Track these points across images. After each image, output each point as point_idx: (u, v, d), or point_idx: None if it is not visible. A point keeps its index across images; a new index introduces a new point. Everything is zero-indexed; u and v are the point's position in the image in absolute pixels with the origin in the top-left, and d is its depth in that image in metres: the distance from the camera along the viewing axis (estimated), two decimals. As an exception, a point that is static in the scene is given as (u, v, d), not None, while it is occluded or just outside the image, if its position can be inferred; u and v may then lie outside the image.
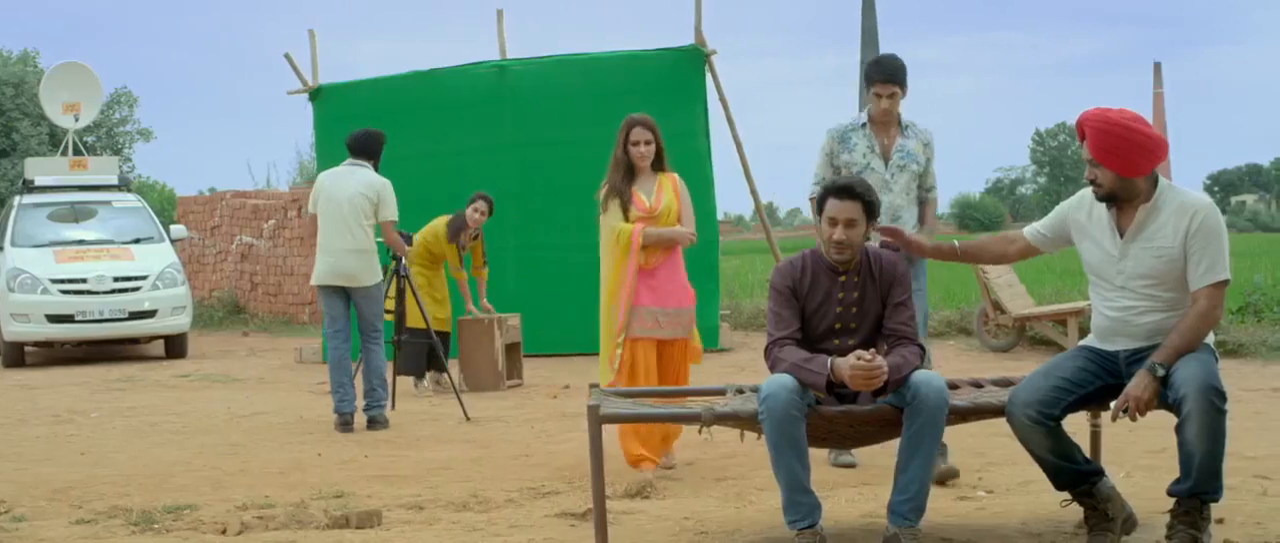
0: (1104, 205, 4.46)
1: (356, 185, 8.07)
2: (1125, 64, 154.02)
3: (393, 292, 8.89)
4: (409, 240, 8.79)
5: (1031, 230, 4.75)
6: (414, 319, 9.26)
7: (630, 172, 6.29)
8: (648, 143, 6.26)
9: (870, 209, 4.57)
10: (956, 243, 4.97)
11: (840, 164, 6.01)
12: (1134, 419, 4.28)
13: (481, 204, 10.04)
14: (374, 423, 8.03)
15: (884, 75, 5.95)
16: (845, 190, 4.55)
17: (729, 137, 12.58)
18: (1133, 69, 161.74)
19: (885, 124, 6.03)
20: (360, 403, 8.12)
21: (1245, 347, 10.74)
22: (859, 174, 5.80)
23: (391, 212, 8.18)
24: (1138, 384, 4.23)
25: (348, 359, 8.09)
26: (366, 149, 8.26)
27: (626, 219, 6.21)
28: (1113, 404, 4.33)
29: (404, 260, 8.74)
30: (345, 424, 7.94)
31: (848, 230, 4.53)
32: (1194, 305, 4.32)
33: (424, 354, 9.78)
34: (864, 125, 6.03)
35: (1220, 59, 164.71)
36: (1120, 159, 4.30)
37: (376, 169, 8.26)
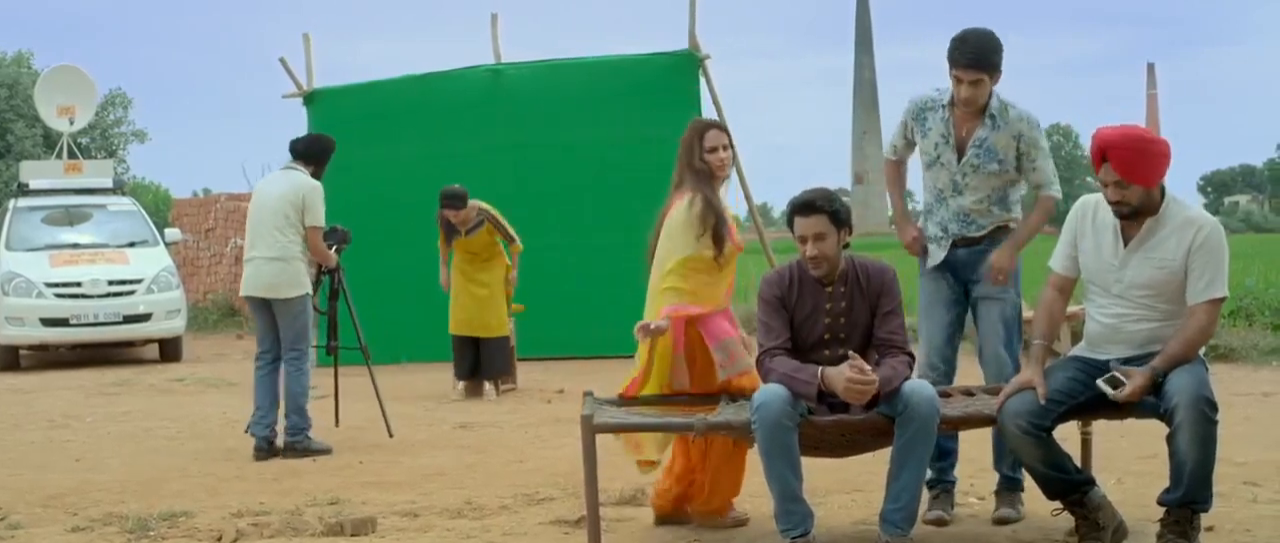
0: (1108, 211, 4.48)
1: (283, 189, 7.35)
2: (1119, 65, 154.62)
3: (326, 294, 7.88)
4: (345, 239, 7.82)
5: (1057, 263, 4.66)
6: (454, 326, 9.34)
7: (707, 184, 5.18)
8: (726, 148, 5.20)
9: (837, 218, 4.56)
10: (1039, 341, 4.57)
11: (914, 140, 5.21)
12: (1115, 389, 4.28)
13: (444, 212, 9.71)
14: (291, 450, 7.23)
15: (968, 58, 4.87)
16: (807, 206, 4.56)
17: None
18: (1126, 70, 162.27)
19: (968, 113, 5.04)
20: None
21: (1236, 351, 10.75)
22: (929, 165, 5.13)
23: (317, 217, 7.34)
24: (1135, 377, 4.27)
25: (271, 381, 7.35)
26: (307, 153, 7.48)
27: (721, 251, 5.06)
28: (1113, 365, 4.33)
29: (329, 267, 7.75)
30: (260, 451, 7.19)
31: (819, 244, 4.55)
32: (1192, 318, 4.35)
33: (498, 358, 9.86)
34: (946, 105, 5.06)
35: (1214, 60, 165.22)
36: (1146, 173, 4.33)
37: (318, 176, 7.48)
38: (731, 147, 5.22)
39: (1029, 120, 5.01)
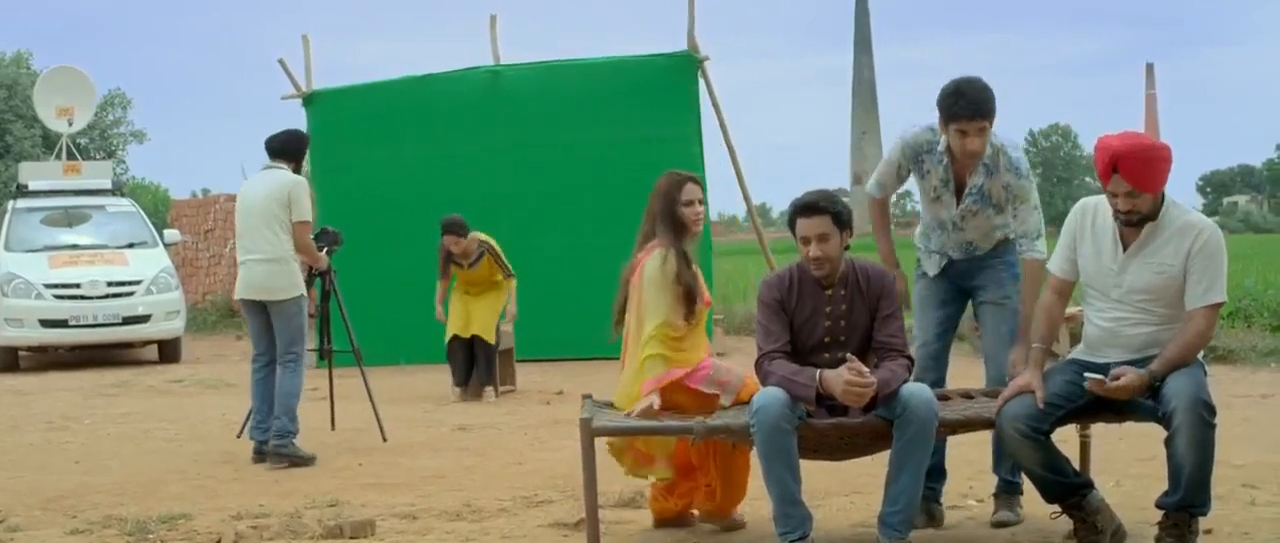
0: (1108, 215, 4.49)
1: (269, 188, 7.19)
2: (1118, 65, 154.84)
3: (319, 296, 7.81)
4: (336, 240, 7.66)
5: (1056, 266, 4.65)
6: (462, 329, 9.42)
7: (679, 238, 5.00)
8: (701, 202, 5.04)
9: (840, 219, 4.57)
10: (1037, 345, 4.57)
11: (906, 178, 5.15)
12: (1104, 390, 4.29)
13: (444, 239, 9.70)
14: (276, 454, 7.04)
15: (972, 108, 4.75)
16: (810, 208, 4.57)
17: (721, 140, 12.69)
18: (1125, 70, 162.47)
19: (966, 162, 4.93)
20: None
21: (1235, 353, 10.75)
22: (931, 201, 5.07)
23: (303, 212, 7.18)
24: (1129, 372, 4.27)
25: (269, 384, 7.24)
26: (284, 150, 7.33)
27: (691, 312, 4.90)
28: (1110, 375, 4.31)
29: (320, 268, 7.60)
30: (260, 455, 7.15)
31: (822, 245, 4.55)
32: (1190, 323, 4.36)
33: (486, 363, 9.82)
34: (944, 151, 4.95)
35: (1212, 60, 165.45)
36: (1155, 180, 4.34)
37: (298, 171, 7.36)
38: (705, 202, 5.06)
39: (1017, 171, 4.90)
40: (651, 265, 4.90)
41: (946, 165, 4.95)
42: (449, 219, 9.68)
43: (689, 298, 4.87)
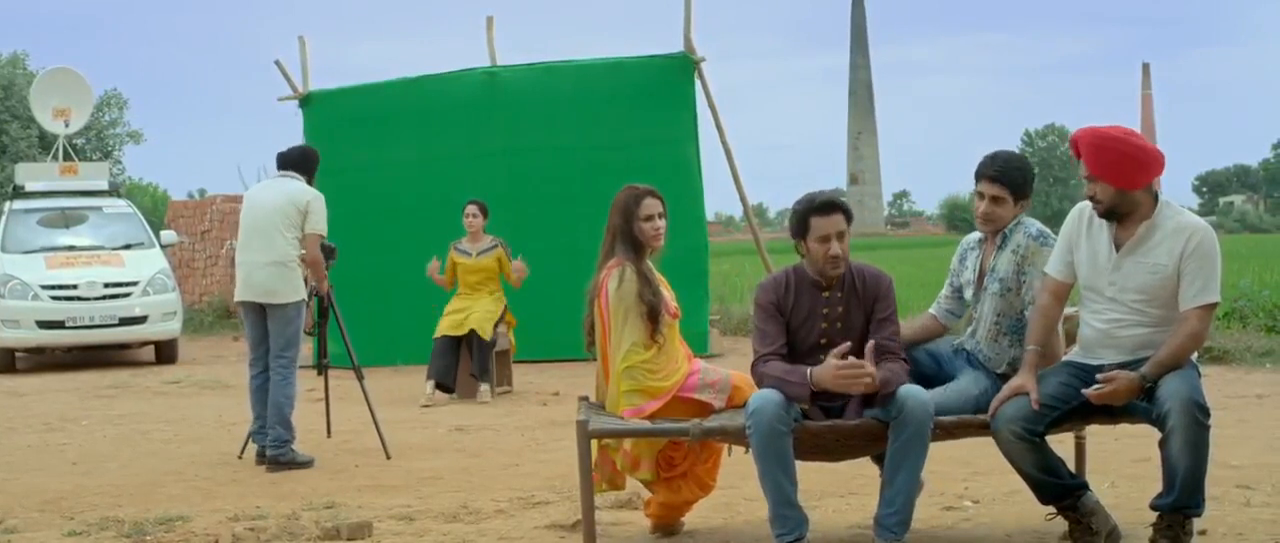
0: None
1: (283, 194, 7.24)
2: (1114, 65, 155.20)
3: (315, 311, 7.64)
4: (330, 254, 7.42)
5: (1053, 268, 4.62)
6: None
7: (639, 255, 4.94)
8: (661, 216, 4.96)
9: (850, 218, 4.64)
10: (1032, 347, 4.53)
11: (960, 283, 5.02)
12: (1097, 399, 4.31)
13: (469, 208, 10.01)
14: (275, 464, 6.99)
15: (993, 170, 4.71)
16: (829, 205, 4.59)
17: (718, 141, 12.70)
18: (1122, 70, 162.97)
19: (990, 237, 4.84)
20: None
21: (1230, 353, 10.77)
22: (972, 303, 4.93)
23: (319, 225, 7.23)
24: (1123, 374, 4.29)
25: (267, 391, 7.19)
26: (298, 163, 7.42)
27: (657, 329, 4.83)
28: (1098, 378, 4.32)
29: (321, 292, 7.46)
30: (263, 458, 7.11)
31: (840, 243, 4.58)
32: (1184, 324, 4.37)
33: (482, 359, 9.83)
34: (982, 240, 4.92)
35: (1210, 60, 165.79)
36: (1116, 172, 4.36)
37: (311, 185, 7.40)
38: (666, 216, 4.97)
39: (1030, 233, 4.76)
40: (611, 287, 4.88)
41: (979, 255, 4.90)
42: (477, 200, 10.04)
43: (652, 316, 4.80)
